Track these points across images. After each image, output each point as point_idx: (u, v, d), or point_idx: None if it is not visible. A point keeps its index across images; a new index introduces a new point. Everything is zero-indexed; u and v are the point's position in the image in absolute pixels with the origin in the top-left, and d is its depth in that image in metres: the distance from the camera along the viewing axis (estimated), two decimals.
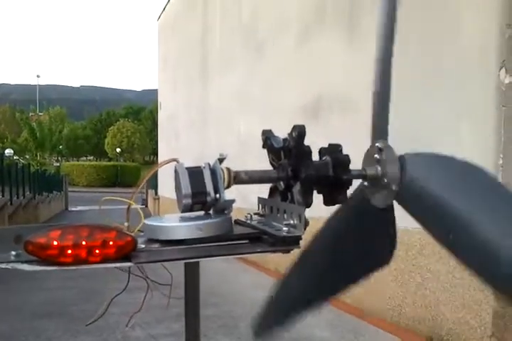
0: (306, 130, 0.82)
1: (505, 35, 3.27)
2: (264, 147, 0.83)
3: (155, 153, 55.54)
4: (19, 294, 5.57)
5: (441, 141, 3.58)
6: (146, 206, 20.01)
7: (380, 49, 0.81)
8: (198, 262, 0.92)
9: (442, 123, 3.71)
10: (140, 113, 72.43)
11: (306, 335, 4.17)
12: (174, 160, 0.80)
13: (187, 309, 0.93)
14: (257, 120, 7.19)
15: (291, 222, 0.77)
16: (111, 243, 0.69)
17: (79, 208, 21.72)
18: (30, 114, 49.33)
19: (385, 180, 0.73)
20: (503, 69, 3.28)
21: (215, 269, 5.46)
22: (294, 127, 0.77)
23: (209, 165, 0.78)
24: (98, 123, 69.97)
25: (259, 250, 0.77)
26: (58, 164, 44.16)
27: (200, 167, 0.78)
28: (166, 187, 13.23)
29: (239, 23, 8.06)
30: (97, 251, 0.68)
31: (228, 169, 0.78)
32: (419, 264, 3.91)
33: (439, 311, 3.73)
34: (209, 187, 0.76)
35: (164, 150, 14.29)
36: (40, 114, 49.39)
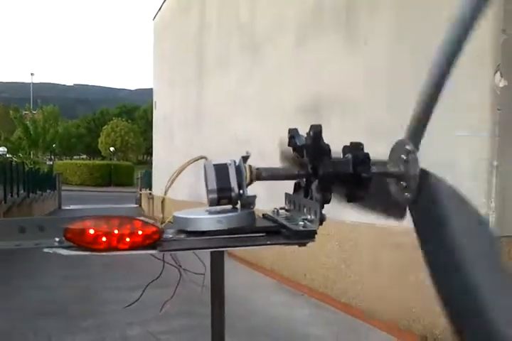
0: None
1: (500, 39, 3.34)
2: (289, 145, 0.88)
3: (149, 152, 55.38)
4: (20, 292, 5.60)
5: (437, 142, 3.64)
6: (140, 205, 19.99)
7: (443, 50, 0.82)
8: (223, 252, 0.99)
9: (437, 125, 3.78)
10: (134, 112, 72.27)
11: (302, 334, 4.23)
12: (203, 157, 0.85)
13: (213, 295, 0.99)
14: (254, 120, 7.24)
15: (309, 217, 0.82)
16: (139, 232, 0.76)
17: (72, 207, 21.70)
18: (24, 112, 49.10)
19: (403, 184, 0.77)
20: (498, 73, 3.35)
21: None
22: (311, 126, 0.82)
23: (234, 162, 0.84)
24: (92, 122, 69.79)
25: (274, 242, 0.82)
26: (51, 163, 44.00)
27: (226, 164, 0.84)
28: (161, 186, 13.25)
29: (236, 22, 8.11)
30: (128, 239, 0.75)
31: (250, 166, 0.84)
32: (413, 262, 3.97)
33: (433, 310, 3.79)
34: (233, 183, 0.82)
35: (159, 150, 14.31)
36: (33, 112, 49.17)
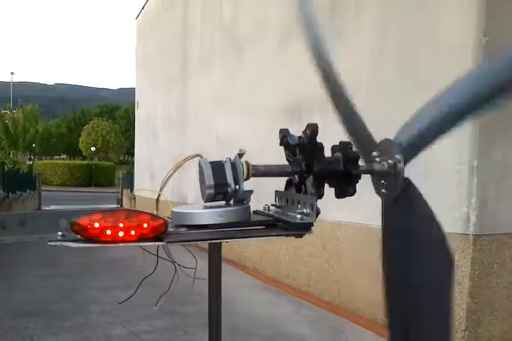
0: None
1: (481, 41, 3.41)
2: (281, 144, 0.92)
3: (130, 152, 55.05)
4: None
5: None
6: (121, 206, 19.86)
7: (316, 60, 0.89)
8: (220, 244, 1.03)
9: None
10: (115, 112, 71.78)
11: (284, 332, 4.26)
12: (198, 155, 0.88)
13: (210, 286, 1.02)
14: (237, 120, 7.27)
15: (304, 210, 0.86)
16: (145, 225, 0.78)
17: (52, 207, 21.45)
18: (3, 111, 48.52)
19: (384, 183, 0.82)
20: None
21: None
22: (308, 126, 0.86)
23: (230, 159, 0.87)
24: (72, 122, 69.16)
25: (274, 234, 0.86)
26: (31, 162, 43.47)
27: (221, 161, 0.87)
28: (143, 186, 13.18)
29: (220, 23, 8.12)
30: (133, 232, 0.78)
31: (247, 163, 0.88)
32: None
33: None
34: (229, 179, 0.85)
35: (142, 150, 14.24)
36: (13, 111, 48.58)
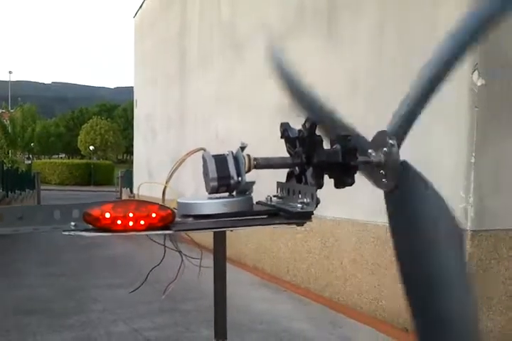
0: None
1: None
2: (282, 137, 0.95)
3: (128, 151, 54.92)
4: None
5: (416, 140, 3.73)
6: None
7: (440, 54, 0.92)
8: (225, 234, 1.09)
9: (417, 122, 3.87)
10: (113, 111, 71.72)
11: (285, 328, 4.29)
12: (202, 149, 0.91)
13: (215, 272, 1.06)
14: (235, 118, 7.29)
15: (305, 200, 0.89)
16: (154, 215, 0.82)
17: None
18: (1, 111, 48.52)
19: (383, 172, 0.86)
20: (476, 72, 3.45)
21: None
22: (307, 119, 0.90)
23: (232, 152, 0.91)
24: (71, 121, 69.08)
25: (277, 222, 0.90)
26: (30, 162, 43.44)
27: (224, 154, 0.91)
28: (142, 185, 13.18)
29: (218, 20, 8.13)
30: (142, 222, 0.82)
31: (249, 156, 0.91)
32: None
33: None
34: (232, 171, 0.89)
35: (141, 149, 14.25)
36: (11, 110, 48.56)
